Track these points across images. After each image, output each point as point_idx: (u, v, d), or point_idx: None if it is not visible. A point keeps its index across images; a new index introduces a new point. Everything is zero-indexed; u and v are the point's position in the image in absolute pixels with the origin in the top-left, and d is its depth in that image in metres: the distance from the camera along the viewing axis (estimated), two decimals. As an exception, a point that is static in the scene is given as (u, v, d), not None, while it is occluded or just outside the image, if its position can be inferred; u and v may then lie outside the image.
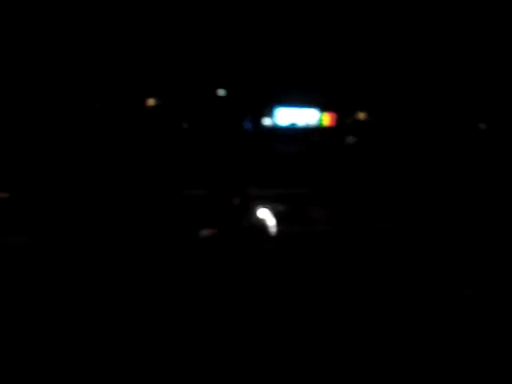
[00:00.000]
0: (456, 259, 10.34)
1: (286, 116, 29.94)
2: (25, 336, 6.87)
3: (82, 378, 6.07)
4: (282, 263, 10.03)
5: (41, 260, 9.14)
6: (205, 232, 9.93)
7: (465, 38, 20.55)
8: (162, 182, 12.05)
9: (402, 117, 23.27)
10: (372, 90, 24.35)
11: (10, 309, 7.61)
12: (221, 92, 27.74)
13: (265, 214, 10.45)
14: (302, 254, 10.78)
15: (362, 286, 8.91)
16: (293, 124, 29.95)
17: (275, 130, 28.98)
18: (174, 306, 7.94)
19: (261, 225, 10.32)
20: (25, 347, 6.60)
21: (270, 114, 29.38)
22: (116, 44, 20.41)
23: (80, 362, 6.34)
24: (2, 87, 17.87)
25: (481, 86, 20.34)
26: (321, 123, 28.04)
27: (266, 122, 29.71)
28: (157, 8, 21.85)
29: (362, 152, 23.36)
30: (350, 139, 26.26)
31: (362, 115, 26.16)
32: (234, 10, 24.21)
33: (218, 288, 8.55)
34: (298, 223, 12.55)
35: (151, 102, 19.65)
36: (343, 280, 9.23)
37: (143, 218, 10.54)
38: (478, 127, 20.34)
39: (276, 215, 10.69)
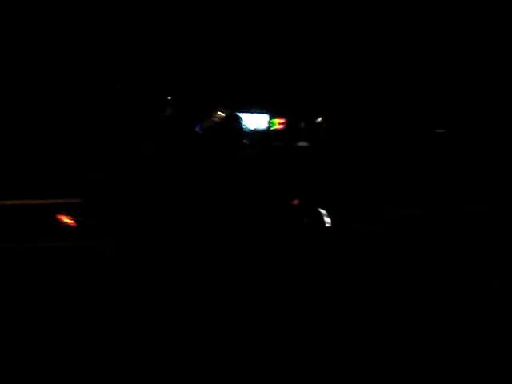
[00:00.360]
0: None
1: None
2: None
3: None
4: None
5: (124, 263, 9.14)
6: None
7: (419, 40, 21.61)
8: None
9: (356, 121, 24.27)
10: (326, 94, 25.25)
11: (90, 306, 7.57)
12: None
13: (321, 212, 11.55)
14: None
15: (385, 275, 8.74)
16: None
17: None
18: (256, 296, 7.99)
19: (319, 220, 11.56)
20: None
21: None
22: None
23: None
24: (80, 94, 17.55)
25: (437, 92, 21.47)
26: (272, 126, 28.56)
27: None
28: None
29: (314, 156, 23.99)
30: (302, 143, 26.97)
31: (315, 120, 26.94)
32: (186, 16, 24.46)
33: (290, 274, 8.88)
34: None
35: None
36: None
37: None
38: (435, 133, 21.38)
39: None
